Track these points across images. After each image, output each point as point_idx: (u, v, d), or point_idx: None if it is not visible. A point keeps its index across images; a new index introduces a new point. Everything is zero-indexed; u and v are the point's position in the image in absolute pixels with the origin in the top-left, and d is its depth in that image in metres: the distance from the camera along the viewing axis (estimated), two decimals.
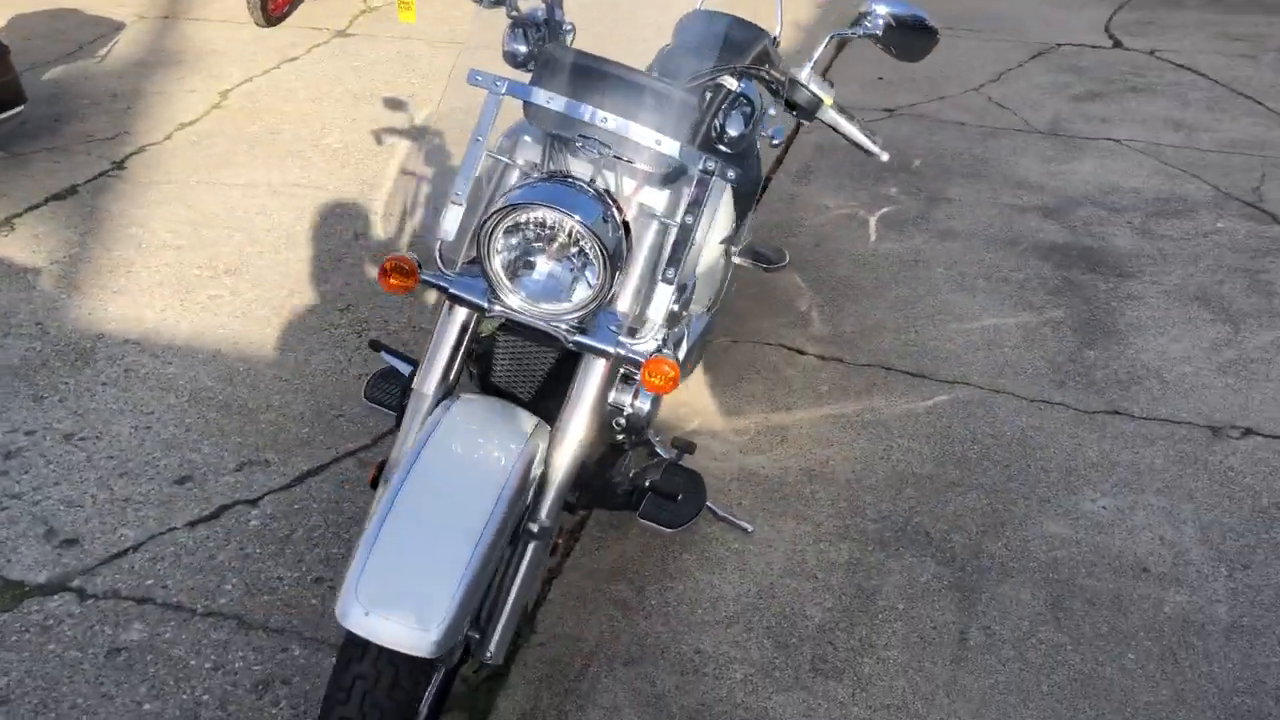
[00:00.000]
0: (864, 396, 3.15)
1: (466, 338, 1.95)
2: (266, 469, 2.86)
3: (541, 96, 1.84)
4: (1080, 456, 2.91)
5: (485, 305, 1.88)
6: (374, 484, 2.04)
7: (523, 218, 1.76)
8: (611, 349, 1.85)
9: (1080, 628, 2.38)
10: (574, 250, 1.77)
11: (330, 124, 4.88)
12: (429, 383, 1.94)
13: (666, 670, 2.28)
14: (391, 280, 1.88)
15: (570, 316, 1.82)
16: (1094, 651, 2.33)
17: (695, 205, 1.83)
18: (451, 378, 1.95)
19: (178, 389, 3.17)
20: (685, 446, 2.33)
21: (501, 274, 1.81)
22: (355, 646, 1.64)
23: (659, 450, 2.43)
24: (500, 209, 1.74)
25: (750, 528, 2.53)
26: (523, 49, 1.97)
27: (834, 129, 2.05)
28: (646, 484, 2.21)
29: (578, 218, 1.71)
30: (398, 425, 2.04)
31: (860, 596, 2.46)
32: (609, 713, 2.18)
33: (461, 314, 1.93)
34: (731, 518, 2.54)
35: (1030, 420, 3.06)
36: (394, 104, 5.08)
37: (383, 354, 2.34)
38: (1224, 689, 2.23)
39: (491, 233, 1.77)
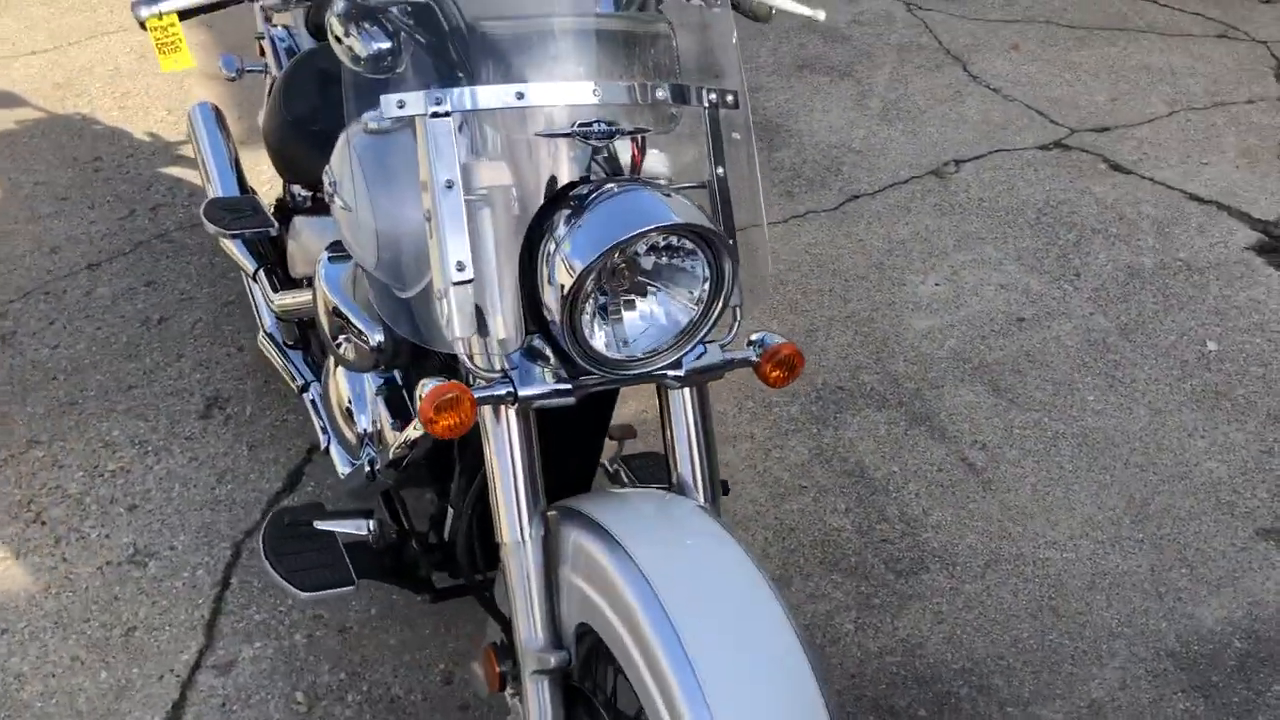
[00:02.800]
0: None
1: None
2: None
3: (508, 94, 1.36)
4: (871, 252, 3.20)
5: (569, 388, 1.43)
6: (502, 687, 1.59)
7: (639, 248, 1.36)
8: (726, 358, 1.48)
9: (1031, 394, 2.77)
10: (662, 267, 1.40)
11: None
12: (519, 524, 1.45)
13: None
14: (445, 422, 1.37)
15: (680, 352, 1.44)
16: (1063, 410, 2.71)
17: (719, 149, 1.50)
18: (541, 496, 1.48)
19: None
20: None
21: (600, 334, 1.39)
22: None
23: None
24: (609, 249, 1.30)
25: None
26: (386, 44, 1.41)
27: (773, 6, 1.72)
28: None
29: (705, 223, 1.33)
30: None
31: None
32: None
33: (522, 418, 1.45)
34: None
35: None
36: None
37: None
38: (1161, 374, 2.76)
39: (575, 292, 1.33)
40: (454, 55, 1.41)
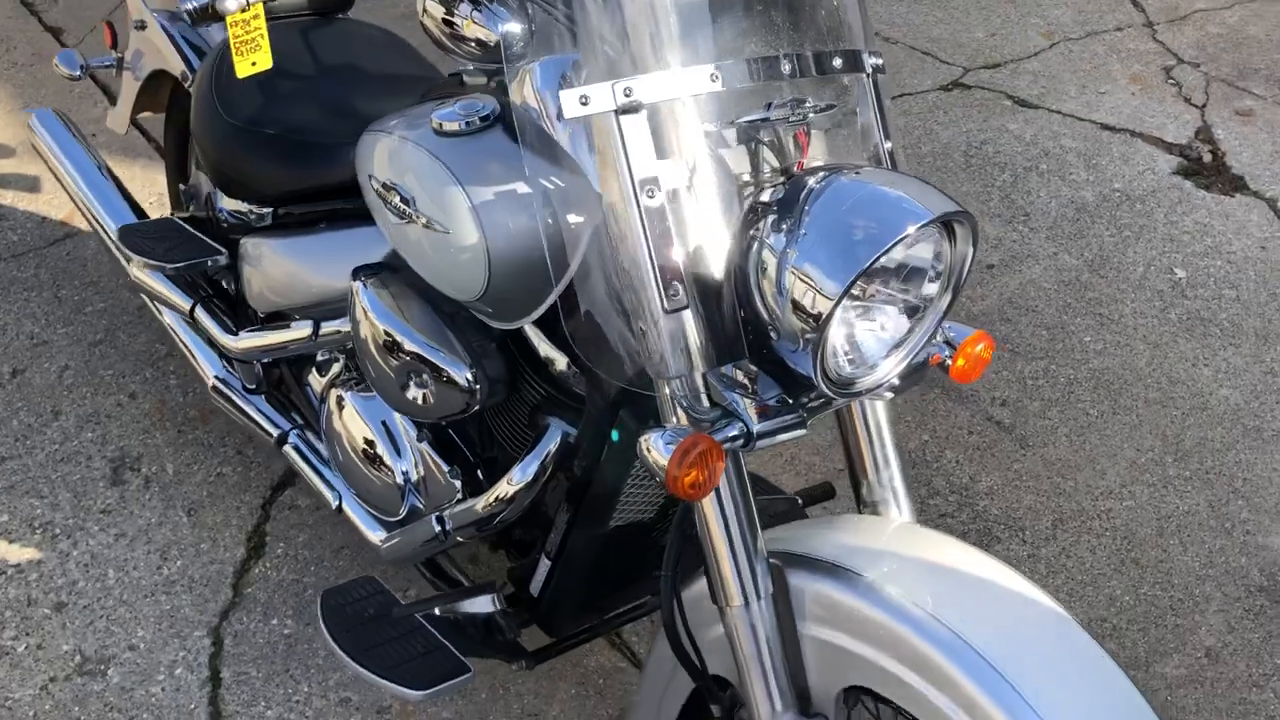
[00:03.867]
0: None
1: None
2: None
3: (702, 77, 1.12)
4: None
5: (800, 419, 1.18)
6: None
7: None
8: (925, 356, 1.25)
9: (1029, 342, 2.70)
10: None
11: None
12: (747, 582, 1.20)
13: None
14: (692, 479, 1.10)
15: (911, 355, 1.22)
16: (1066, 355, 2.60)
17: (885, 120, 1.28)
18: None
19: None
20: None
21: (842, 349, 1.17)
22: None
23: None
24: (883, 251, 1.07)
25: None
26: (519, 26, 1.17)
27: None
28: None
29: (957, 206, 1.13)
30: None
31: None
32: None
33: (732, 459, 1.20)
34: None
35: None
36: None
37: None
38: (1143, 306, 2.72)
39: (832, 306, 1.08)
40: (603, 33, 1.13)
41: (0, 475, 2.30)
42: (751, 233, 1.15)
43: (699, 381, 1.15)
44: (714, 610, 1.25)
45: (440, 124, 1.34)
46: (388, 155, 1.40)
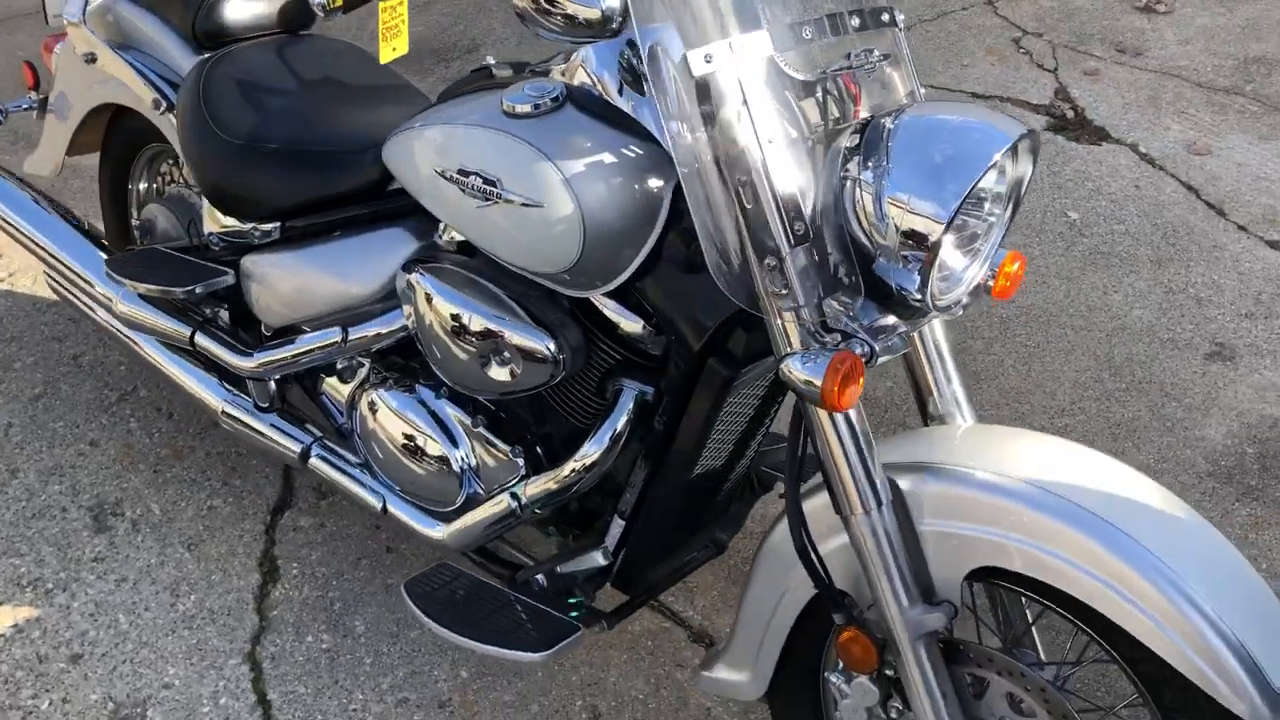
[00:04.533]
0: None
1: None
2: None
3: (798, 33, 1.26)
4: None
5: (906, 329, 1.32)
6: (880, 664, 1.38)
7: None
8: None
9: None
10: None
11: None
12: (869, 492, 1.30)
13: None
14: (850, 394, 1.21)
15: (983, 273, 1.36)
16: None
17: (912, 65, 1.40)
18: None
19: None
20: None
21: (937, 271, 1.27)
22: None
23: None
24: (981, 175, 1.21)
25: None
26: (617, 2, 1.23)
27: None
28: None
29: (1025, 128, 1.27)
30: None
31: None
32: None
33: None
34: None
35: None
36: None
37: None
38: (1049, 247, 3.03)
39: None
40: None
41: None
42: (843, 172, 1.27)
43: (817, 309, 1.25)
44: (827, 525, 1.36)
45: (512, 107, 1.40)
46: (458, 144, 1.45)
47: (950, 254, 1.30)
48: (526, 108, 1.40)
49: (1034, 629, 1.45)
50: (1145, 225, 2.95)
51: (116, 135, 2.34)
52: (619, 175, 1.36)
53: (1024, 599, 1.38)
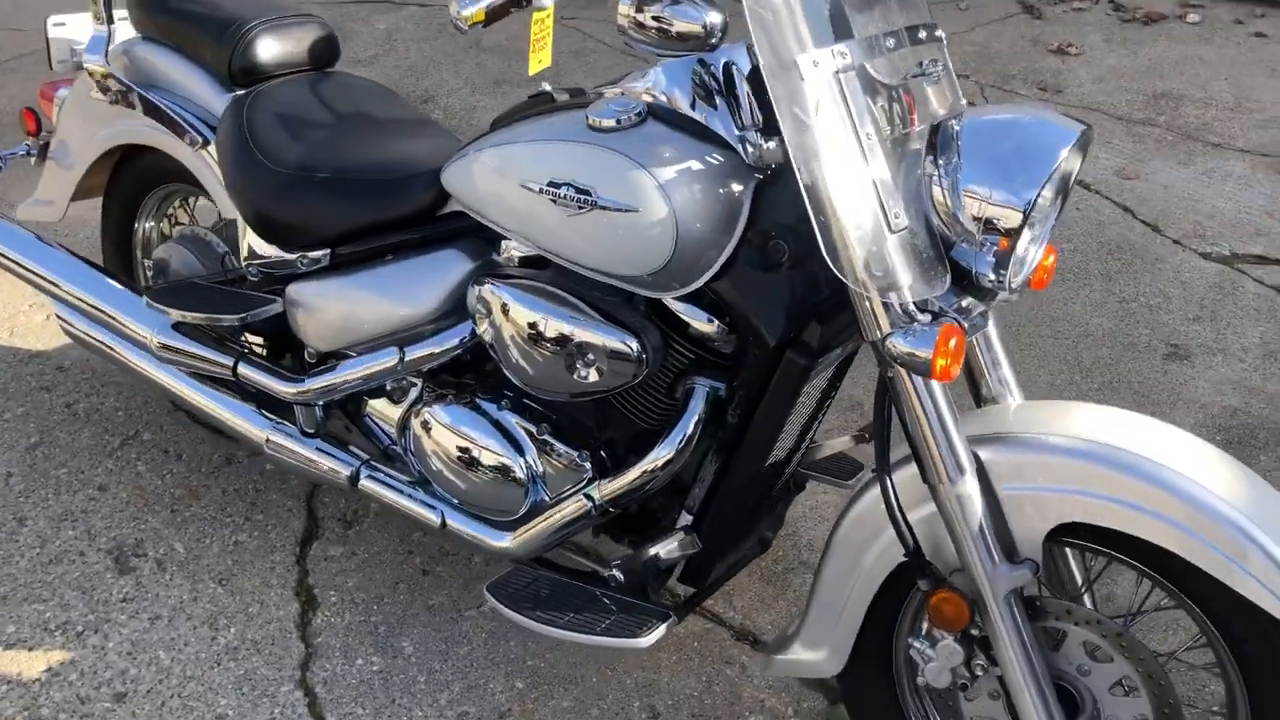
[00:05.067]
0: None
1: None
2: None
3: (885, 42, 1.39)
4: None
5: (986, 309, 1.50)
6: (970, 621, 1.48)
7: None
8: None
9: None
10: None
11: None
12: (956, 459, 1.42)
13: None
14: (957, 364, 1.35)
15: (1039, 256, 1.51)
16: None
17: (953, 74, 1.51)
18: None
19: None
20: None
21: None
22: None
23: None
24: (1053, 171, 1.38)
25: None
26: (719, 17, 1.43)
27: None
28: None
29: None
30: None
31: None
32: None
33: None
34: None
35: None
36: None
37: None
38: None
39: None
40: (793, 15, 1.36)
41: None
42: (920, 169, 1.41)
43: (911, 290, 1.37)
44: (910, 498, 1.47)
45: (598, 122, 1.50)
46: (547, 158, 1.53)
47: (1019, 240, 1.43)
48: (611, 122, 1.50)
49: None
50: (1091, 243, 3.18)
51: (124, 178, 2.36)
52: (704, 181, 1.47)
53: (1089, 554, 1.51)
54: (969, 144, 1.40)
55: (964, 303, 1.42)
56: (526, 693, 1.97)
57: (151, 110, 2.08)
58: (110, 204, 2.41)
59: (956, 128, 1.42)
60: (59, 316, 2.28)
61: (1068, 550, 1.55)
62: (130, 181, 2.35)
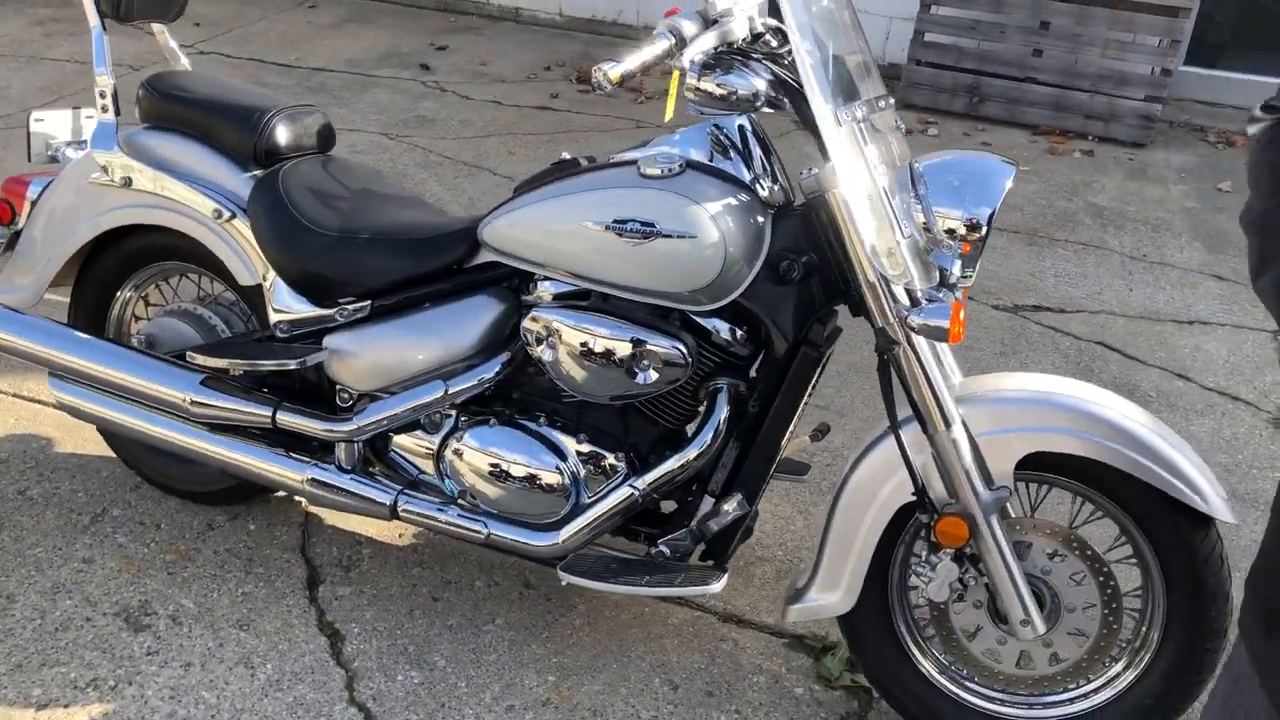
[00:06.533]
0: None
1: None
2: None
3: (879, 102, 1.94)
4: None
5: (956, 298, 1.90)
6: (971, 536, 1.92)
7: None
8: None
9: None
10: None
11: None
12: (950, 411, 1.89)
13: None
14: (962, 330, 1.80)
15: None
16: None
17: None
18: None
19: None
20: None
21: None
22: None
23: None
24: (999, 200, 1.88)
25: None
26: (764, 82, 1.84)
27: None
28: None
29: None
30: None
31: None
32: None
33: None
34: None
35: None
36: None
37: None
38: None
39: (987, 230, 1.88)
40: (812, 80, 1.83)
41: None
42: (902, 194, 1.90)
43: (918, 281, 1.83)
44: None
45: (650, 171, 1.90)
46: (610, 201, 1.90)
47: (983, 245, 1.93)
48: (660, 170, 1.90)
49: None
50: None
51: (102, 263, 2.49)
52: (738, 214, 1.89)
53: (1036, 485, 2.00)
54: (931, 178, 1.90)
55: (939, 291, 1.91)
56: (559, 683, 2.23)
57: (172, 189, 2.28)
58: (83, 289, 2.53)
59: (919, 167, 1.92)
60: (57, 394, 2.38)
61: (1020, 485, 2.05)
62: (110, 265, 2.49)
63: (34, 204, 2.46)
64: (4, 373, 3.14)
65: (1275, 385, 3.52)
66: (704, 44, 1.70)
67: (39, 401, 3.02)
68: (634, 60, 1.67)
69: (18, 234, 2.49)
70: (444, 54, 6.48)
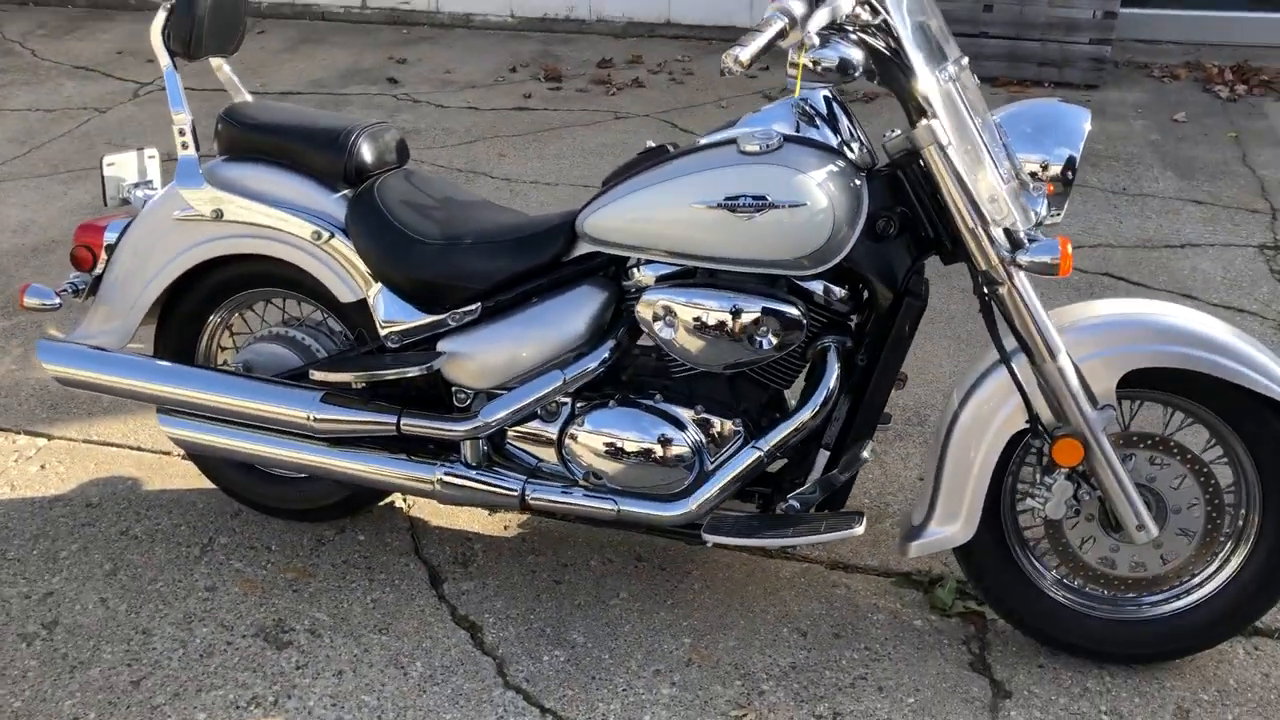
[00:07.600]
0: None
1: None
2: None
3: (960, 62, 2.06)
4: None
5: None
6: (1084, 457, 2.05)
7: None
8: None
9: None
10: None
11: None
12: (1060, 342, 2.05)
13: None
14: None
15: None
16: None
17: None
18: None
19: None
20: None
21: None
22: None
23: None
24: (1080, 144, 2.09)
25: None
26: (860, 55, 1.89)
27: None
28: None
29: None
30: None
31: None
32: None
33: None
34: None
35: None
36: None
37: None
38: None
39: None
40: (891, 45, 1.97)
41: (146, 692, 2.23)
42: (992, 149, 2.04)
43: (1020, 223, 1.97)
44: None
45: (750, 149, 2.02)
46: (718, 181, 2.00)
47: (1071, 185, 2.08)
48: (757, 147, 2.02)
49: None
50: None
51: (192, 294, 2.54)
52: (838, 180, 2.02)
53: (1135, 401, 2.16)
54: (1009, 127, 2.05)
55: (1039, 232, 2.05)
56: (695, 644, 2.35)
57: (266, 216, 2.34)
58: (168, 324, 2.57)
59: (996, 119, 2.07)
60: (165, 427, 2.44)
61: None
62: (198, 298, 2.54)
63: (112, 248, 2.51)
64: (69, 420, 3.16)
65: (1273, 296, 3.74)
66: (821, 19, 1.82)
67: (111, 444, 3.06)
68: (757, 43, 1.78)
69: (98, 278, 2.53)
70: (406, 66, 6.51)
